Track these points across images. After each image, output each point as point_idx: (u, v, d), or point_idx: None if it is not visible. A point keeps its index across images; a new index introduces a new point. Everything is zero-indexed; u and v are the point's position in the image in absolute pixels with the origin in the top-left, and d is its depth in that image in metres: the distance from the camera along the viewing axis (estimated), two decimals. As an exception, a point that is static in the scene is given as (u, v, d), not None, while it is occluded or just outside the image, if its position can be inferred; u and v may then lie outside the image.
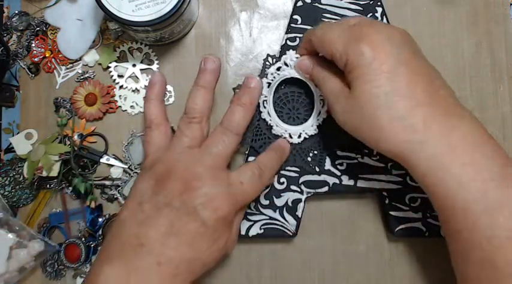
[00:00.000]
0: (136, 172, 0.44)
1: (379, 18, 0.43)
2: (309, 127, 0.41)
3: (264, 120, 0.41)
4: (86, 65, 0.45)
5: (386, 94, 0.31)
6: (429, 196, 0.32)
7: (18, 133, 0.45)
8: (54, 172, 0.43)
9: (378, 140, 0.32)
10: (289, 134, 0.41)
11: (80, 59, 0.45)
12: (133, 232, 0.33)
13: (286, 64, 0.41)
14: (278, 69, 0.42)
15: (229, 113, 0.37)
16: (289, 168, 0.42)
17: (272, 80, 0.42)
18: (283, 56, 0.41)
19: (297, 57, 0.40)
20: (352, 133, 0.34)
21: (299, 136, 0.41)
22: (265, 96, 0.42)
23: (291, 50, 0.42)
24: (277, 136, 0.41)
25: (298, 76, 0.41)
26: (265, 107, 0.41)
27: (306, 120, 0.42)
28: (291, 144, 0.41)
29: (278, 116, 0.42)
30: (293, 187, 0.42)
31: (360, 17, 0.39)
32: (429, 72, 0.33)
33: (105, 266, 0.32)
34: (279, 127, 0.41)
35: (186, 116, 0.37)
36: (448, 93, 0.33)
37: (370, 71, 0.31)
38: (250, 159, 0.42)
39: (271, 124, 0.41)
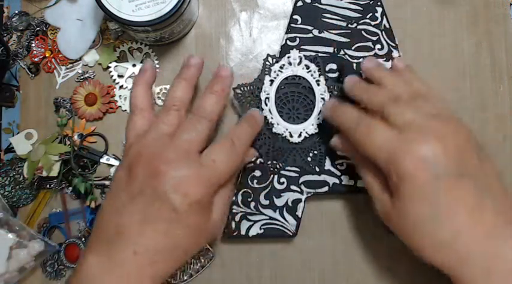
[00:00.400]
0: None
1: (379, 18, 0.43)
2: (309, 126, 0.41)
3: (265, 117, 0.42)
4: (86, 65, 0.45)
5: (431, 218, 0.31)
6: None
7: (18, 133, 0.45)
8: (54, 172, 0.43)
9: (417, 251, 0.32)
10: (290, 133, 0.41)
11: (80, 59, 0.45)
12: (113, 220, 0.33)
13: (289, 62, 0.42)
14: (281, 67, 0.42)
15: (202, 100, 0.37)
16: (289, 168, 0.42)
17: (275, 78, 0.42)
18: (287, 55, 0.42)
19: (301, 56, 0.41)
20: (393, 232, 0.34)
21: (299, 135, 0.41)
22: (268, 94, 0.42)
23: (294, 49, 0.42)
24: (277, 135, 0.42)
25: (301, 75, 0.41)
26: (266, 104, 0.41)
27: (306, 120, 0.42)
28: (292, 143, 0.42)
29: (279, 116, 0.42)
30: (293, 187, 0.42)
31: (409, 109, 0.34)
32: (478, 193, 0.31)
33: (88, 255, 0.32)
34: (280, 125, 0.41)
35: (164, 105, 0.37)
36: (498, 212, 0.31)
37: (413, 190, 0.31)
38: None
39: (272, 122, 0.41)
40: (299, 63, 0.42)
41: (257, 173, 0.42)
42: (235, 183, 0.39)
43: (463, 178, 0.31)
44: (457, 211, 0.30)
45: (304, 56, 0.42)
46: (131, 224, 0.32)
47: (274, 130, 0.41)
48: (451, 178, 0.31)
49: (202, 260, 0.43)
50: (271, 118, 0.41)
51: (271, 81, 0.42)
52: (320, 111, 0.42)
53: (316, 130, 0.41)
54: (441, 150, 0.31)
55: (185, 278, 0.43)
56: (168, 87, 0.45)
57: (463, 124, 0.34)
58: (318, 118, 0.42)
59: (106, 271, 0.31)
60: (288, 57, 0.42)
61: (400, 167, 0.31)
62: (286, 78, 0.42)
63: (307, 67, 0.42)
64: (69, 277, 0.33)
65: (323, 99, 0.41)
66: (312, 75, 0.42)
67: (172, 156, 0.33)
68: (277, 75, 0.42)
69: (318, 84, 0.42)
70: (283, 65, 0.42)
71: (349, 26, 0.43)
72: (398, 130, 0.33)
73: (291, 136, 0.41)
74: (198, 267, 0.43)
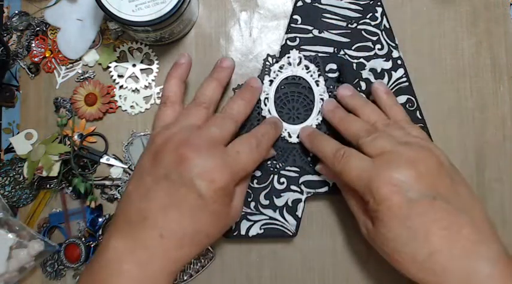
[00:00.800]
0: (136, 172, 0.44)
1: (379, 18, 0.43)
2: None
3: (265, 117, 0.42)
4: (86, 65, 0.45)
5: (408, 240, 0.32)
6: None
7: (18, 133, 0.45)
8: (54, 172, 0.43)
9: (399, 269, 0.34)
10: (289, 133, 0.41)
11: (80, 59, 0.45)
12: (137, 205, 0.33)
13: (289, 63, 0.42)
14: (281, 67, 0.42)
15: (232, 103, 0.38)
16: (289, 168, 0.42)
17: (274, 78, 0.42)
18: (287, 55, 0.42)
19: (301, 56, 0.41)
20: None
21: (298, 136, 0.41)
22: (267, 94, 0.42)
23: (294, 49, 0.42)
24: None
25: (300, 75, 0.41)
26: (266, 105, 0.42)
27: (305, 120, 0.42)
28: (291, 143, 0.42)
29: (278, 116, 0.42)
30: (293, 187, 0.42)
31: (382, 138, 0.36)
32: (454, 213, 0.32)
33: (112, 239, 0.33)
34: None
35: (195, 101, 0.38)
36: (473, 230, 0.32)
37: (389, 214, 0.32)
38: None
39: (271, 124, 0.41)
40: (299, 64, 0.42)
41: (257, 173, 0.42)
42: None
43: (435, 201, 0.32)
44: (432, 232, 0.32)
45: (304, 56, 0.43)
46: (157, 209, 0.33)
47: None
48: (424, 200, 0.32)
49: (202, 260, 0.43)
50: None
51: (271, 81, 0.42)
52: (319, 111, 0.42)
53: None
54: (413, 175, 0.33)
55: (185, 278, 0.43)
56: (168, 87, 0.45)
57: (435, 149, 0.35)
58: (317, 119, 0.42)
59: (131, 254, 0.32)
60: (288, 58, 0.42)
61: (375, 193, 0.33)
62: (285, 78, 0.42)
63: (307, 67, 0.42)
64: (90, 261, 0.33)
65: (322, 99, 0.42)
66: (311, 75, 0.42)
67: (200, 143, 0.34)
68: (277, 75, 0.42)
69: (318, 85, 0.42)
70: (283, 65, 0.42)
71: (349, 26, 0.44)
72: (373, 158, 0.34)
73: (290, 136, 0.41)
74: (198, 267, 0.43)
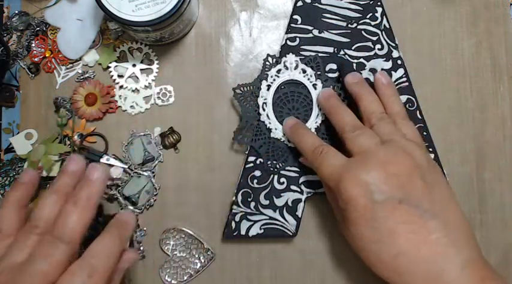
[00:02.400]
0: (136, 172, 0.44)
1: (379, 18, 0.43)
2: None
3: (263, 122, 0.42)
4: (86, 65, 0.45)
5: (374, 240, 0.33)
6: None
7: (18, 133, 0.45)
8: (54, 172, 0.43)
9: (368, 266, 0.34)
10: (288, 138, 0.41)
11: (80, 59, 0.45)
12: None
13: (286, 67, 0.42)
14: (278, 71, 0.42)
15: (60, 219, 0.30)
16: (289, 168, 0.42)
17: (272, 82, 0.42)
18: (283, 59, 0.42)
19: (298, 60, 0.41)
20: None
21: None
22: (265, 99, 0.42)
23: (291, 53, 0.42)
24: (276, 139, 0.42)
25: (298, 79, 0.41)
26: (264, 110, 0.41)
27: (305, 121, 0.42)
28: (290, 147, 0.41)
29: (278, 116, 0.42)
30: (293, 187, 0.42)
31: (363, 136, 0.36)
32: (423, 216, 0.32)
33: None
34: (278, 130, 0.41)
35: (27, 224, 0.31)
36: (443, 234, 0.32)
37: (356, 215, 0.33)
38: (250, 159, 0.42)
39: (270, 128, 0.41)
40: (295, 68, 0.42)
41: (257, 173, 0.42)
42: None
43: (401, 204, 0.32)
44: (397, 234, 0.32)
45: (304, 56, 0.43)
46: None
47: (272, 135, 0.41)
48: (388, 203, 0.32)
49: (203, 260, 0.43)
50: (269, 123, 0.41)
51: (268, 86, 0.42)
52: (318, 114, 0.42)
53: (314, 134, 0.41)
54: (381, 176, 0.33)
55: (185, 278, 0.43)
56: (168, 87, 0.45)
57: (416, 150, 0.35)
58: (316, 122, 0.42)
59: None
60: (285, 62, 0.42)
61: (343, 192, 0.33)
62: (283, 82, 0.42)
63: (304, 71, 0.42)
64: None
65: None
66: (308, 79, 0.42)
67: None
68: (274, 80, 0.42)
69: (315, 88, 0.42)
70: (280, 69, 0.42)
71: (349, 26, 0.44)
72: (352, 155, 0.35)
73: (290, 141, 0.41)
74: (198, 267, 0.43)
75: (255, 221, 0.42)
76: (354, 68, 0.43)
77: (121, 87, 0.45)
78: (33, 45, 0.46)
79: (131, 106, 0.45)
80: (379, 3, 0.44)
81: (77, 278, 0.28)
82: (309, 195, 0.42)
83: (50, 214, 0.31)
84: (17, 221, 0.32)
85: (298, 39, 0.43)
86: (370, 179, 0.32)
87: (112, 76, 0.45)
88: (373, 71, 0.43)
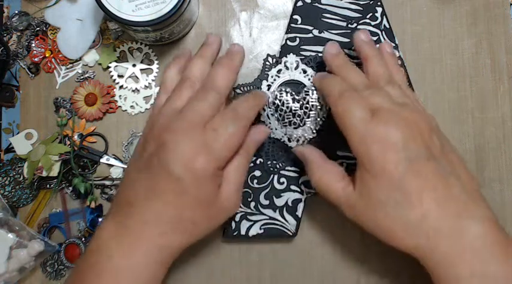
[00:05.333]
0: (136, 172, 0.44)
1: (379, 18, 0.43)
2: (308, 131, 0.41)
3: (264, 122, 0.41)
4: (86, 65, 0.45)
5: (399, 201, 0.31)
6: None
7: (18, 133, 0.45)
8: (54, 172, 0.43)
9: (388, 237, 0.32)
10: (288, 138, 0.41)
11: (80, 59, 0.45)
12: (125, 191, 0.35)
13: (286, 67, 0.42)
14: (278, 71, 0.42)
15: (211, 73, 0.37)
16: (289, 168, 0.42)
17: (272, 83, 0.42)
18: (284, 59, 0.42)
19: (298, 60, 0.41)
20: (361, 225, 0.34)
21: (297, 141, 0.41)
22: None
23: (291, 53, 0.42)
24: (276, 139, 0.42)
25: (298, 79, 0.41)
26: (264, 110, 0.41)
27: (305, 124, 0.42)
28: (290, 148, 0.41)
29: (278, 116, 0.42)
30: (293, 187, 0.42)
31: (380, 95, 0.34)
32: (444, 175, 0.32)
33: (105, 220, 0.35)
34: (278, 130, 0.41)
35: (179, 81, 0.37)
36: (462, 189, 0.32)
37: (381, 174, 0.31)
38: (250, 159, 0.42)
39: (270, 128, 0.41)
40: (296, 68, 0.42)
41: (257, 173, 0.42)
42: (251, 154, 0.38)
43: (429, 162, 0.32)
44: (425, 193, 0.31)
45: (304, 56, 0.42)
46: (139, 196, 0.33)
47: (272, 135, 0.41)
48: (420, 161, 0.32)
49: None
50: (269, 123, 0.41)
51: (269, 86, 0.42)
52: (318, 115, 0.41)
53: (315, 135, 0.41)
54: (408, 134, 0.32)
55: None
56: (168, 87, 0.45)
57: (427, 114, 0.36)
58: (316, 123, 0.41)
59: (119, 236, 0.33)
60: (285, 62, 0.42)
61: (369, 151, 0.32)
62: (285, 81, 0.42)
63: (304, 71, 0.42)
64: (90, 239, 0.35)
65: (320, 103, 0.41)
66: (309, 79, 0.42)
67: (177, 126, 0.33)
68: (275, 80, 0.42)
69: (315, 88, 0.42)
70: (280, 69, 0.42)
71: (349, 26, 0.43)
72: (371, 113, 0.33)
73: (290, 141, 0.41)
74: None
75: (255, 221, 0.42)
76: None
77: (121, 87, 0.45)
78: (33, 45, 0.46)
79: (131, 106, 0.45)
80: (379, 3, 0.44)
81: (224, 115, 0.34)
82: (309, 195, 0.42)
83: (197, 72, 0.37)
84: (177, 79, 0.38)
85: (298, 39, 0.43)
86: (399, 137, 0.31)
87: (112, 76, 0.45)
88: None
